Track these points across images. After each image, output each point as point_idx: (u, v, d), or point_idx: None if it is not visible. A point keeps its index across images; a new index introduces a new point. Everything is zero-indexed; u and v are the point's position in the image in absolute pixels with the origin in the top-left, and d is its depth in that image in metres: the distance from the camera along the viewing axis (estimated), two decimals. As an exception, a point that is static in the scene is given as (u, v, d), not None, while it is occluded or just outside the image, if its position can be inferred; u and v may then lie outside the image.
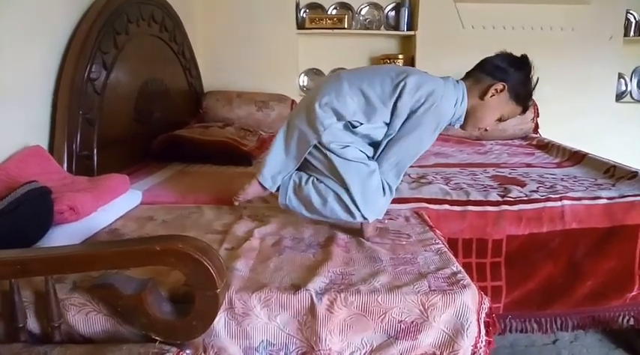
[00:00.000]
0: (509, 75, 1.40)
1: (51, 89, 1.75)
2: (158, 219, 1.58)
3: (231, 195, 1.53)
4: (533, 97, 3.20)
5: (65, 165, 1.71)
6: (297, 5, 3.41)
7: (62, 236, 1.30)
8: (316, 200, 1.38)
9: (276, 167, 1.42)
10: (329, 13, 3.49)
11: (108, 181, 1.61)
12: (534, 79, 1.45)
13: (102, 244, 1.26)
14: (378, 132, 1.38)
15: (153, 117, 2.48)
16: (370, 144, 1.41)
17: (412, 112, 1.34)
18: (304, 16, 3.45)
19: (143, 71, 2.38)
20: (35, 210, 1.26)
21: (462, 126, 1.47)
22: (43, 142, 1.70)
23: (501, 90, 1.40)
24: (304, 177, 1.41)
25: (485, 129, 1.48)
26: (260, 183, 1.44)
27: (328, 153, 1.35)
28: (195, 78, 3.18)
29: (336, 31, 3.37)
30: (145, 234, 1.44)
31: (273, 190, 1.44)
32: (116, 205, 1.59)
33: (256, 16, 3.31)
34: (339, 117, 1.34)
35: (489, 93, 1.39)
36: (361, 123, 1.35)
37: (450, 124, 1.44)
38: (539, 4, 3.32)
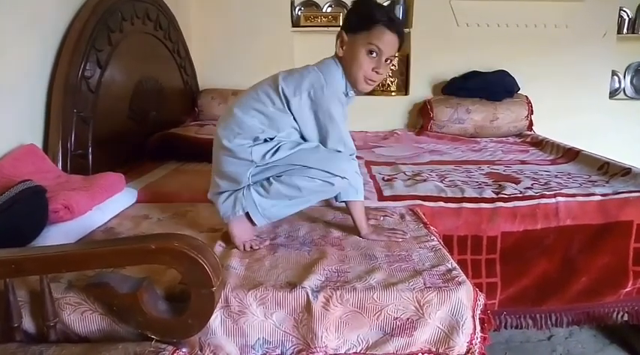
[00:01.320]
0: (344, 21, 1.41)
1: (45, 87, 1.74)
2: (153, 217, 1.58)
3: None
4: (525, 93, 3.18)
5: (60, 163, 1.70)
6: (292, 3, 3.42)
7: (57, 235, 1.30)
8: (288, 191, 1.33)
9: (230, 199, 1.36)
10: (324, 10, 3.49)
11: (103, 180, 1.60)
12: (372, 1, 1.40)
13: (97, 243, 1.25)
14: (295, 137, 1.38)
15: (148, 116, 2.48)
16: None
17: (313, 106, 1.34)
18: (299, 13, 3.45)
19: (138, 69, 2.38)
20: (30, 209, 1.26)
21: (355, 89, 1.42)
22: (38, 141, 1.69)
23: (343, 37, 1.37)
24: (264, 181, 1.36)
25: (377, 73, 1.37)
26: (234, 220, 1.36)
27: (269, 164, 1.34)
28: (190, 76, 3.17)
29: (331, 28, 3.36)
30: (141, 233, 1.44)
31: (247, 210, 1.36)
32: (111, 204, 1.59)
33: (251, 14, 3.30)
34: (253, 139, 1.34)
35: (338, 47, 1.38)
36: (275, 135, 1.36)
37: (347, 96, 1.42)
38: (533, 1, 3.32)
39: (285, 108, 1.35)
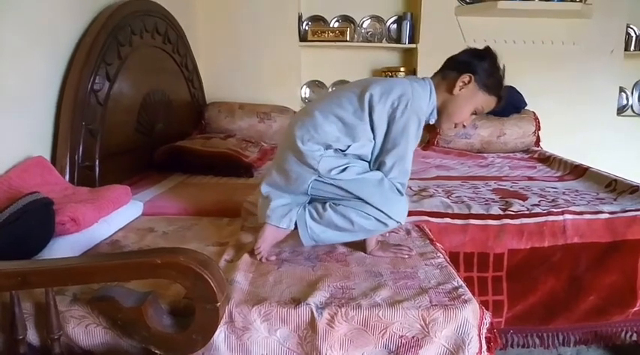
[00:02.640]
0: (474, 66, 1.40)
1: (54, 100, 1.76)
2: (159, 230, 1.58)
3: (233, 206, 1.52)
4: (532, 109, 3.19)
5: (67, 175, 1.71)
6: (300, 18, 3.44)
7: (63, 247, 1.30)
8: (341, 222, 1.33)
9: (285, 209, 1.38)
10: (331, 25, 3.51)
11: (109, 192, 1.61)
12: (501, 67, 1.45)
13: (103, 256, 1.26)
14: (367, 149, 1.38)
15: (155, 129, 2.49)
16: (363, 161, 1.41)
17: (391, 119, 1.34)
18: (306, 28, 3.48)
19: (146, 82, 2.40)
20: (37, 221, 1.26)
21: (437, 123, 1.47)
22: (46, 153, 1.70)
23: (469, 82, 1.39)
24: (319, 204, 1.37)
25: (463, 125, 1.47)
26: (274, 226, 1.37)
27: (331, 180, 1.33)
28: (197, 89, 3.20)
29: (338, 43, 3.39)
30: (146, 246, 1.44)
31: (291, 228, 1.37)
32: (117, 216, 1.59)
33: (259, 28, 3.33)
34: (326, 146, 1.34)
35: (457, 86, 1.39)
36: (348, 146, 1.35)
37: (425, 122, 1.43)
38: (540, 17, 3.33)
39: (366, 117, 1.34)
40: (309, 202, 1.39)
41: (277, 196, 1.39)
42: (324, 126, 1.33)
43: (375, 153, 1.37)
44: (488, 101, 1.44)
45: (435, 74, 1.46)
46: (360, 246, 1.42)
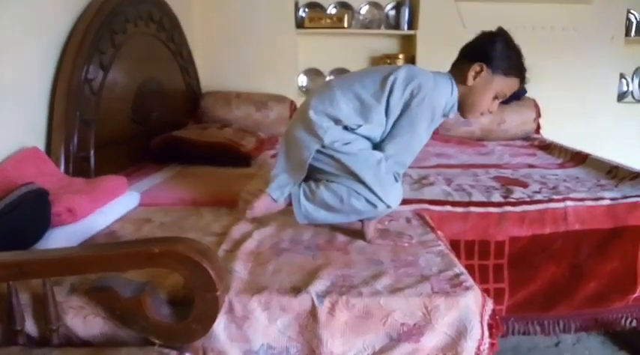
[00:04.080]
0: (485, 52, 1.37)
1: (48, 90, 1.74)
2: (156, 220, 1.57)
3: (230, 196, 1.52)
4: (532, 96, 3.17)
5: (62, 166, 1.70)
6: (296, 4, 3.41)
7: (60, 238, 1.29)
8: (332, 200, 1.35)
9: (282, 180, 1.41)
10: (328, 12, 3.48)
11: (105, 183, 1.60)
12: (516, 46, 1.41)
13: (100, 246, 1.24)
14: (376, 132, 1.37)
15: (150, 118, 2.47)
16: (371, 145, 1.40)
17: (406, 106, 1.33)
18: (303, 15, 3.44)
19: (141, 71, 2.37)
20: (32, 211, 1.25)
21: (462, 115, 1.45)
22: (40, 144, 1.69)
23: (481, 70, 1.36)
24: (313, 183, 1.40)
25: (490, 111, 1.44)
26: (270, 197, 1.41)
27: (333, 152, 1.34)
28: (193, 78, 3.17)
29: (335, 30, 3.36)
30: (143, 236, 1.43)
31: (282, 200, 1.41)
32: (114, 207, 1.58)
33: (255, 16, 3.30)
34: (336, 121, 1.34)
35: (470, 77, 1.37)
36: (359, 126, 1.35)
37: (443, 116, 1.42)
38: (540, 3, 3.32)
39: (383, 99, 1.33)
40: (305, 180, 1.41)
41: (281, 173, 1.42)
42: (340, 103, 1.34)
43: (380, 138, 1.37)
44: (508, 84, 1.40)
45: (453, 65, 1.44)
46: (360, 234, 1.41)
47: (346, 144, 1.34)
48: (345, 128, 1.35)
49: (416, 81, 1.32)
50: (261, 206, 1.41)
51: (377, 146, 1.39)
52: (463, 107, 1.41)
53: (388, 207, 1.33)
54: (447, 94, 1.37)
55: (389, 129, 1.36)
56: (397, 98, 1.32)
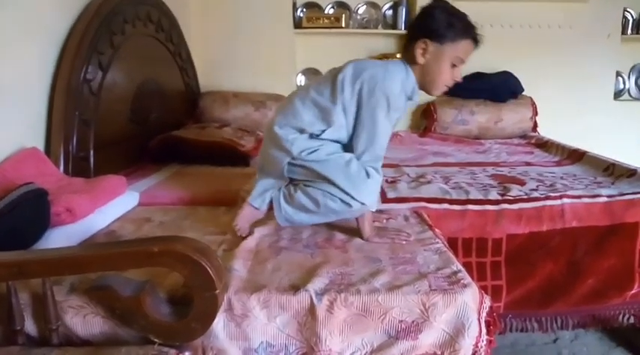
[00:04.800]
0: (424, 27, 1.36)
1: (47, 90, 1.74)
2: (155, 220, 1.58)
3: (229, 195, 1.53)
4: (529, 94, 3.17)
5: (62, 166, 1.70)
6: (294, 4, 3.41)
7: (59, 238, 1.29)
8: (308, 203, 1.38)
9: (260, 187, 1.46)
10: (326, 12, 3.48)
11: (105, 182, 1.60)
12: (456, 9, 1.38)
13: (99, 246, 1.25)
14: (342, 134, 1.39)
15: (149, 118, 2.48)
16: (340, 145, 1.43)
17: (359, 100, 1.34)
18: (301, 15, 3.45)
19: (139, 72, 2.37)
20: (32, 211, 1.25)
21: (429, 93, 1.44)
22: (40, 144, 1.69)
23: (426, 46, 1.35)
24: (292, 187, 1.43)
25: (455, 80, 1.40)
26: (252, 206, 1.45)
27: (303, 162, 1.37)
28: (191, 78, 3.17)
29: (333, 30, 3.36)
30: (143, 236, 1.43)
31: (263, 208, 1.44)
32: (113, 207, 1.58)
33: (253, 16, 3.30)
34: (301, 131, 1.38)
35: (418, 55, 1.36)
36: (323, 130, 1.37)
37: (409, 100, 1.42)
38: (537, 2, 3.32)
39: (337, 100, 1.34)
40: (286, 185, 1.45)
41: (263, 179, 1.46)
42: (301, 112, 1.37)
43: (348, 138, 1.39)
44: (460, 48, 1.36)
45: (402, 50, 1.43)
46: (358, 232, 1.42)
47: (314, 151, 1.36)
48: (311, 136, 1.38)
49: (364, 74, 1.33)
50: (246, 216, 1.44)
51: (347, 146, 1.41)
52: (425, 85, 1.41)
53: (363, 204, 1.34)
54: (402, 79, 1.37)
55: (352, 127, 1.37)
56: (349, 95, 1.34)
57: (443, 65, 1.36)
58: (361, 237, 1.41)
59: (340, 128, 1.37)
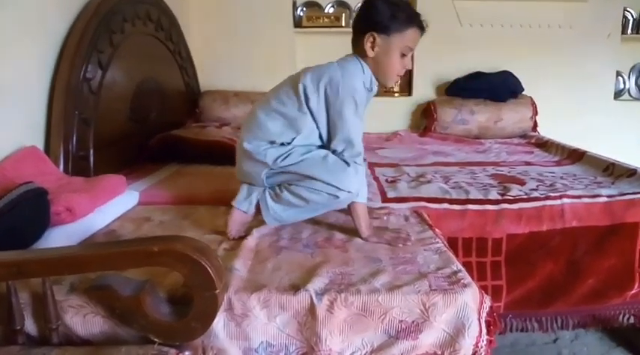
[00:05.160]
0: (369, 20, 1.38)
1: (46, 89, 1.74)
2: (155, 219, 1.58)
3: (229, 194, 1.52)
4: (529, 94, 3.16)
5: (61, 165, 1.70)
6: (294, 4, 3.41)
7: (59, 237, 1.29)
8: (295, 200, 1.39)
9: (245, 190, 1.46)
10: (326, 11, 3.49)
11: (104, 182, 1.60)
12: (400, 1, 1.40)
13: (99, 245, 1.25)
14: (313, 139, 1.41)
15: (149, 118, 2.48)
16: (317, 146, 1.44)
17: (327, 103, 1.36)
18: (301, 14, 3.45)
19: (139, 71, 2.37)
20: (32, 211, 1.25)
21: (383, 85, 1.47)
22: (39, 143, 1.69)
23: (374, 39, 1.36)
24: (276, 187, 1.43)
25: (405, 69, 1.43)
26: (240, 210, 1.45)
27: (281, 169, 1.38)
28: (191, 77, 3.17)
29: (333, 29, 3.36)
30: (142, 235, 1.43)
31: (251, 211, 1.45)
32: (113, 206, 1.58)
33: (253, 15, 3.30)
34: (271, 142, 1.39)
35: (368, 49, 1.37)
36: (293, 138, 1.38)
37: (369, 91, 1.43)
38: (537, 1, 3.32)
39: (305, 108, 1.36)
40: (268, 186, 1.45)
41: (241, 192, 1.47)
42: (267, 123, 1.38)
43: (325, 141, 1.40)
44: (408, 38, 1.37)
45: (352, 44, 1.44)
46: (357, 232, 1.42)
47: (288, 155, 1.37)
48: (282, 144, 1.39)
49: (324, 78, 1.35)
50: (236, 221, 1.44)
51: (321, 147, 1.42)
52: (378, 77, 1.43)
53: (349, 192, 1.35)
54: (359, 74, 1.38)
55: (325, 130, 1.39)
56: (315, 102, 1.36)
57: (393, 56, 1.38)
58: (360, 237, 1.41)
59: (311, 133, 1.39)
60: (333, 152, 1.38)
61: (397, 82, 1.47)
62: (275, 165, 1.37)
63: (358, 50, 1.40)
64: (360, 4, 1.43)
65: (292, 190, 1.38)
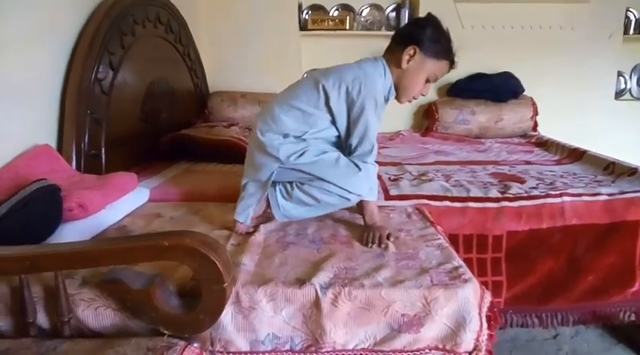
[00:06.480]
0: (417, 36, 1.43)
1: (59, 89, 1.77)
2: (165, 215, 1.61)
3: (237, 192, 1.54)
4: (530, 95, 3.17)
5: (74, 163, 1.73)
6: (300, 7, 3.43)
7: (71, 233, 1.32)
8: (308, 200, 1.44)
9: (245, 206, 1.47)
10: (331, 14, 3.51)
11: (116, 179, 1.62)
12: (445, 31, 1.46)
13: (111, 240, 1.27)
14: (329, 133, 1.45)
15: (159, 117, 2.50)
16: (330, 143, 1.47)
17: (349, 103, 1.40)
18: (307, 17, 3.47)
19: (149, 72, 2.40)
20: (45, 207, 1.27)
21: (397, 99, 1.51)
22: (52, 141, 1.72)
23: (414, 53, 1.42)
24: (287, 184, 1.47)
25: (422, 94, 1.50)
26: (239, 222, 1.47)
27: (292, 165, 1.41)
28: (200, 78, 3.20)
29: (338, 32, 3.39)
30: (153, 231, 1.46)
31: (248, 222, 1.47)
32: (124, 203, 1.61)
33: (260, 18, 3.32)
34: (284, 135, 1.42)
35: (404, 60, 1.42)
36: (306, 132, 1.42)
37: (386, 101, 1.48)
38: (538, 3, 3.32)
39: (323, 105, 1.41)
40: (279, 183, 1.48)
41: (247, 191, 1.48)
42: (281, 116, 1.41)
43: (343, 137, 1.44)
44: (439, 67, 1.45)
45: (386, 51, 1.49)
46: (360, 229, 1.45)
47: (302, 154, 1.40)
48: (296, 138, 1.42)
49: (346, 78, 1.39)
50: (240, 228, 1.47)
51: (336, 144, 1.47)
52: (398, 90, 1.47)
53: (359, 195, 1.42)
54: (380, 77, 1.43)
55: (344, 128, 1.43)
56: (336, 100, 1.39)
57: (420, 75, 1.45)
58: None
59: (325, 129, 1.43)
60: (348, 146, 1.42)
61: (410, 102, 1.52)
62: (287, 162, 1.40)
63: (391, 58, 1.45)
64: (408, 17, 1.48)
65: (304, 189, 1.43)
